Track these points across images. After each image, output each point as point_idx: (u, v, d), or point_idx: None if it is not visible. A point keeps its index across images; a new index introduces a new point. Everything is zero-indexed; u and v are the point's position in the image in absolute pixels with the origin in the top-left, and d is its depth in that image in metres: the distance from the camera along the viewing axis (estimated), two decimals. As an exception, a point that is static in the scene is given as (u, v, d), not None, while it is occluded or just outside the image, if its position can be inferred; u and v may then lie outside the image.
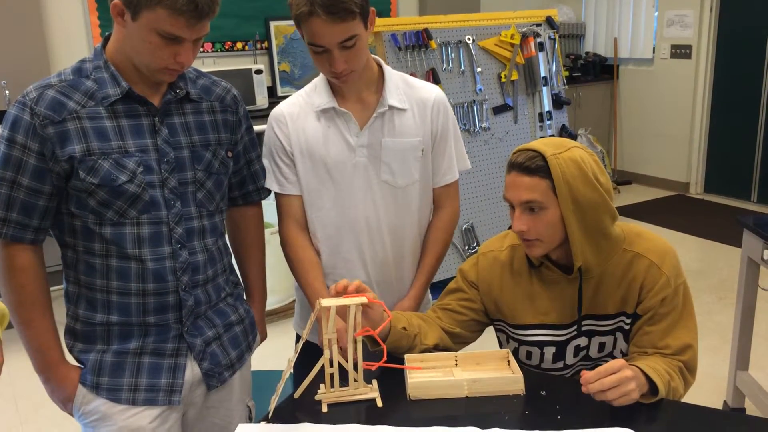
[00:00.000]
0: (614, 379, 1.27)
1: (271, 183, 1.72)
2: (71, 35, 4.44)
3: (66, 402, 1.45)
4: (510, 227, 1.67)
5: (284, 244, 1.75)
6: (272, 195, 1.75)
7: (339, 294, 1.39)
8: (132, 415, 1.42)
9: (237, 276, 1.66)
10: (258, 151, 1.66)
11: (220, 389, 1.54)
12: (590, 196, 1.42)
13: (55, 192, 1.36)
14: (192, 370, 1.47)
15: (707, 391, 2.91)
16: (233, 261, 1.66)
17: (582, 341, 1.56)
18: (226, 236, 1.65)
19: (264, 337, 1.74)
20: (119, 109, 1.36)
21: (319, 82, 1.71)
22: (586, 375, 1.28)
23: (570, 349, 1.57)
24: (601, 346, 1.57)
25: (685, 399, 1.45)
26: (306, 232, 1.75)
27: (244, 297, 1.68)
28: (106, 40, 1.40)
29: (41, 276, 1.40)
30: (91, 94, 1.35)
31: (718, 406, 2.79)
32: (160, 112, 1.40)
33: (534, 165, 1.41)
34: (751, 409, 2.69)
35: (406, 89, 1.71)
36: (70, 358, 1.46)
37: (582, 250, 1.45)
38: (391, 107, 1.66)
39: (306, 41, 1.54)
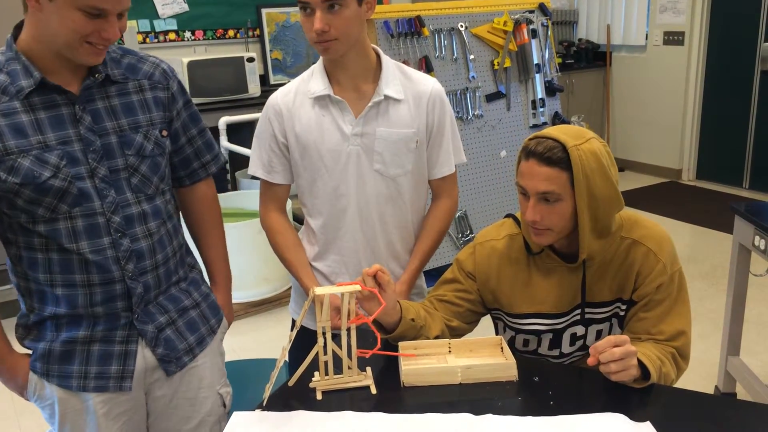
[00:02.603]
0: (623, 351, 1.29)
1: (256, 169, 1.74)
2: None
3: (21, 390, 1.45)
4: (506, 215, 1.67)
5: (267, 229, 1.79)
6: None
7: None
8: (85, 401, 1.42)
9: (194, 258, 1.60)
10: (201, 125, 1.58)
11: (185, 375, 1.51)
12: (605, 190, 1.41)
13: None
14: (144, 357, 1.45)
15: (698, 376, 2.94)
16: (191, 243, 1.60)
17: (579, 330, 1.57)
18: (181, 219, 1.59)
19: (230, 321, 1.68)
20: (35, 101, 1.28)
21: (316, 68, 1.70)
22: (596, 345, 1.31)
23: (566, 337, 1.57)
24: (598, 334, 1.57)
25: (677, 384, 1.47)
26: (286, 215, 1.80)
27: (203, 280, 1.61)
28: (17, 29, 1.31)
29: None
30: (3, 89, 1.27)
31: (710, 390, 2.81)
32: (80, 99, 1.32)
33: (555, 156, 1.38)
34: (742, 393, 2.72)
35: (403, 80, 1.70)
36: (20, 350, 1.45)
37: (589, 243, 1.45)
38: (386, 97, 1.66)
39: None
